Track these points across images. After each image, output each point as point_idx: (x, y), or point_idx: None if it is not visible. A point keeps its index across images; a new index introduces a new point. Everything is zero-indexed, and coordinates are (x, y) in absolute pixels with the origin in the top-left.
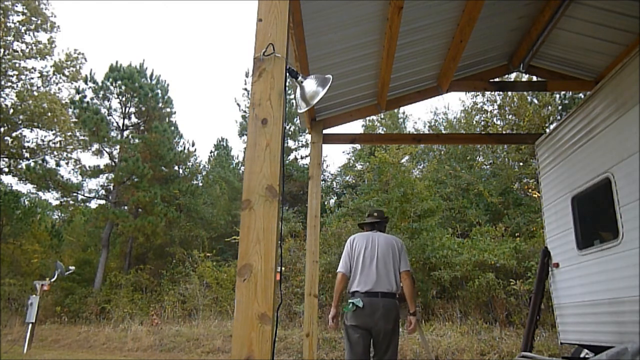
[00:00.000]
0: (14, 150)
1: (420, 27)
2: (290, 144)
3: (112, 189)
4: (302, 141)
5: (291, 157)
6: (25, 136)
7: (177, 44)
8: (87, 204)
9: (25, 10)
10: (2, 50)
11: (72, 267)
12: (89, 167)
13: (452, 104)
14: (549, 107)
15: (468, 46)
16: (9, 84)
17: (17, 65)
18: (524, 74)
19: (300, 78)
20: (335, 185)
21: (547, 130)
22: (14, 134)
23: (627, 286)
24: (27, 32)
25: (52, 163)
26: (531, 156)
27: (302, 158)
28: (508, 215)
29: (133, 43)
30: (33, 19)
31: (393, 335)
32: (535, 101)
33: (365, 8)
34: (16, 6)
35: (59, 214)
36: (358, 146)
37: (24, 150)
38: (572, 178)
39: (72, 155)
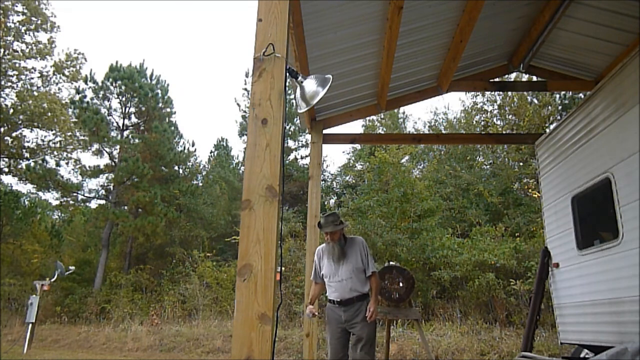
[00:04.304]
0: (14, 150)
1: (420, 27)
2: (290, 144)
3: (112, 189)
4: (302, 141)
5: (291, 157)
6: (25, 136)
7: (177, 44)
8: (87, 204)
9: (25, 10)
10: (2, 50)
11: (72, 267)
12: (89, 167)
13: (452, 104)
14: (549, 107)
15: (468, 46)
16: (9, 84)
17: (17, 65)
18: (524, 74)
19: (300, 78)
20: (335, 185)
21: (547, 130)
22: (14, 134)
23: (627, 286)
24: (27, 32)
25: (52, 163)
26: (531, 156)
27: (302, 158)
28: (508, 215)
29: (133, 43)
30: (33, 19)
31: None
32: (535, 101)
33: (365, 8)
34: (16, 6)
35: (59, 214)
36: (358, 146)
37: (24, 150)
38: (572, 178)
39: (72, 155)
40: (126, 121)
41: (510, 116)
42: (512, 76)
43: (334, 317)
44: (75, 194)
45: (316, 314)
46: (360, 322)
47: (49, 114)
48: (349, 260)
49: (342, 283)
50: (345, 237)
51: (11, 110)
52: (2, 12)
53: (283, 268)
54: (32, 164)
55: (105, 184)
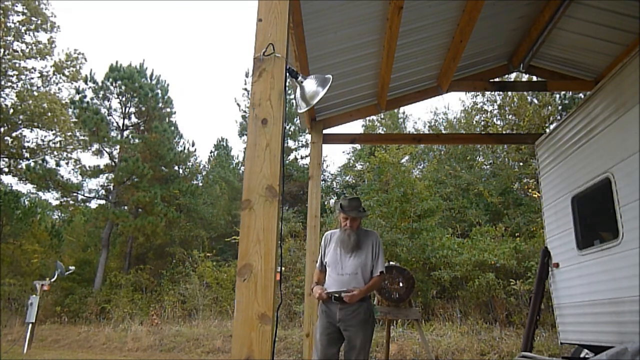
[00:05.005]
0: (14, 150)
1: (420, 27)
2: (290, 144)
3: (112, 189)
4: (302, 141)
5: (291, 157)
6: (25, 136)
7: (177, 44)
8: (87, 204)
9: (25, 10)
10: (2, 50)
11: (72, 267)
12: (89, 167)
13: (452, 104)
14: (549, 107)
15: (468, 46)
16: (9, 84)
17: (17, 65)
18: (524, 74)
19: (300, 78)
20: (335, 185)
21: (547, 130)
22: (14, 134)
23: (627, 286)
24: (27, 32)
25: (52, 163)
26: (531, 156)
27: (302, 158)
28: (508, 215)
29: (133, 43)
30: (33, 19)
31: None
32: (535, 101)
33: (365, 8)
34: (16, 6)
35: (59, 214)
36: (358, 146)
37: (24, 150)
38: (572, 178)
39: (72, 155)
40: (126, 121)
41: (510, 116)
42: (512, 76)
43: (328, 313)
44: (75, 194)
45: (327, 292)
46: (356, 325)
47: (49, 114)
48: (359, 254)
49: (344, 278)
50: (360, 228)
51: (11, 110)
52: (2, 12)
53: (283, 268)
54: (32, 164)
55: (105, 184)
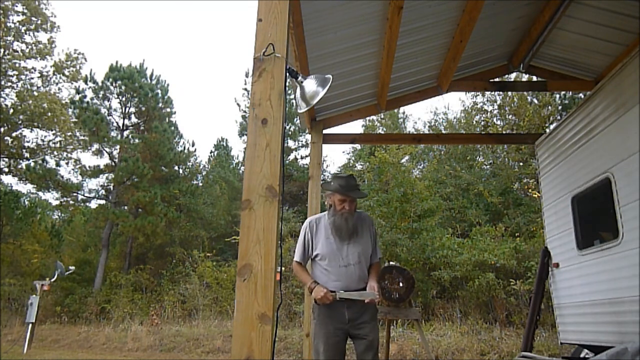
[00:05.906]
0: (14, 150)
1: (420, 27)
2: (290, 144)
3: (112, 189)
4: (302, 141)
5: (291, 157)
6: (25, 136)
7: (177, 44)
8: (87, 204)
9: (25, 10)
10: (2, 50)
11: (72, 267)
12: (89, 167)
13: (452, 104)
14: (549, 107)
15: (468, 46)
16: (9, 84)
17: (17, 65)
18: (524, 74)
19: (300, 78)
20: None
21: (547, 130)
22: (14, 134)
23: (627, 286)
24: (27, 32)
25: (52, 163)
26: (531, 156)
27: (302, 158)
28: (508, 215)
29: (133, 43)
30: (33, 19)
31: None
32: (535, 101)
33: (365, 8)
34: (16, 6)
35: (59, 214)
36: (358, 146)
37: (24, 150)
38: (572, 178)
39: (72, 155)
40: (126, 121)
41: (510, 116)
42: (512, 76)
43: (333, 314)
44: (75, 194)
45: (333, 293)
46: (370, 320)
47: (49, 114)
48: (358, 240)
49: (348, 269)
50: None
51: (11, 110)
52: (2, 12)
53: (283, 268)
54: (32, 164)
55: (105, 184)
